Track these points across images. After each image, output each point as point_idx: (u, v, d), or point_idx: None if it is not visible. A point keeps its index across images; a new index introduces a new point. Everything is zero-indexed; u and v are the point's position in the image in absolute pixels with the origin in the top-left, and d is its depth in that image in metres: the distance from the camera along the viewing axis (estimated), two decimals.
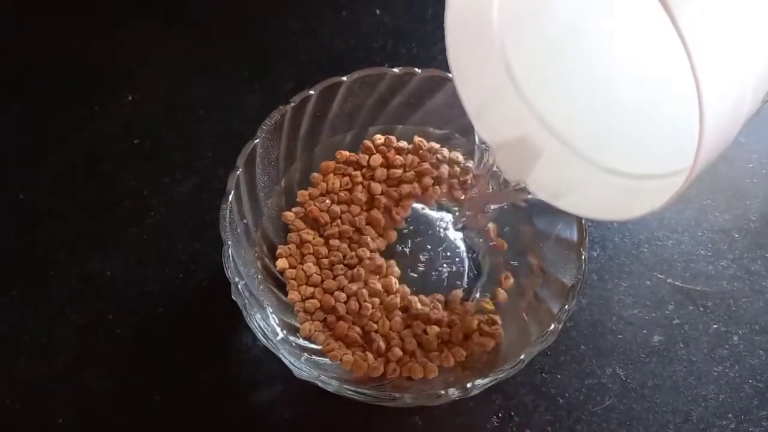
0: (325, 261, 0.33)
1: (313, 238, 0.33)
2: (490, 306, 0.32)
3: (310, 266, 0.32)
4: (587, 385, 0.34)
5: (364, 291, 0.32)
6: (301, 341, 0.31)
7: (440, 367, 0.31)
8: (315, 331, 0.31)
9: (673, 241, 0.38)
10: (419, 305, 0.32)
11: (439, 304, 0.32)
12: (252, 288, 0.29)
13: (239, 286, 0.27)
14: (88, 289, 0.35)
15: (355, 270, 0.33)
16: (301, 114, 0.32)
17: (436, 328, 0.31)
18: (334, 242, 0.33)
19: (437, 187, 0.34)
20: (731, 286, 0.37)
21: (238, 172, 0.29)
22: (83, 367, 0.33)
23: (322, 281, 0.32)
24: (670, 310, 0.36)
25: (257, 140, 0.30)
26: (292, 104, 0.31)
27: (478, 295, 0.34)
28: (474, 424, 0.33)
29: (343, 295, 0.32)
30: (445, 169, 0.34)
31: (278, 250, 0.33)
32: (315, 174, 0.35)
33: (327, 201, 0.34)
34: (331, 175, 0.34)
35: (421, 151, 0.35)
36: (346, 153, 0.35)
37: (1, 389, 0.33)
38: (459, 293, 0.33)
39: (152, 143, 0.39)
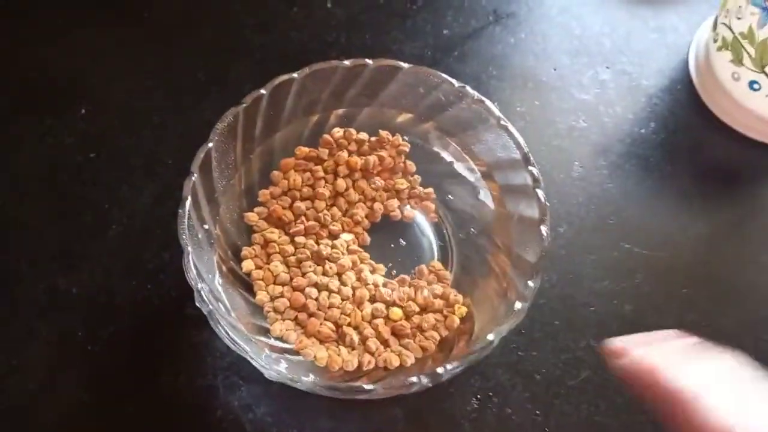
0: (292, 259, 0.33)
1: (279, 237, 0.33)
2: (461, 310, 0.32)
3: (277, 265, 0.32)
4: (563, 360, 0.34)
5: (335, 284, 0.32)
6: (273, 341, 0.31)
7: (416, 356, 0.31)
8: (286, 330, 0.31)
9: (638, 211, 0.38)
10: (390, 294, 0.32)
11: (411, 291, 0.33)
12: (217, 293, 0.29)
13: (203, 293, 0.27)
14: (56, 305, 0.35)
15: (325, 266, 0.32)
16: (255, 113, 0.32)
17: (410, 315, 0.32)
18: (300, 239, 0.33)
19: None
20: (697, 251, 0.38)
21: (193, 178, 0.29)
22: (56, 384, 0.33)
23: (291, 279, 0.32)
24: (639, 279, 0.37)
25: (210, 144, 0.30)
26: (244, 105, 0.31)
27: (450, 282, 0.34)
28: (454, 408, 0.33)
29: (313, 291, 0.32)
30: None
31: (243, 252, 0.32)
32: (275, 172, 0.34)
33: (289, 199, 0.34)
34: (292, 172, 0.34)
35: (386, 147, 0.35)
36: (306, 149, 0.34)
37: None
38: (426, 274, 0.34)
39: (110, 153, 0.39)
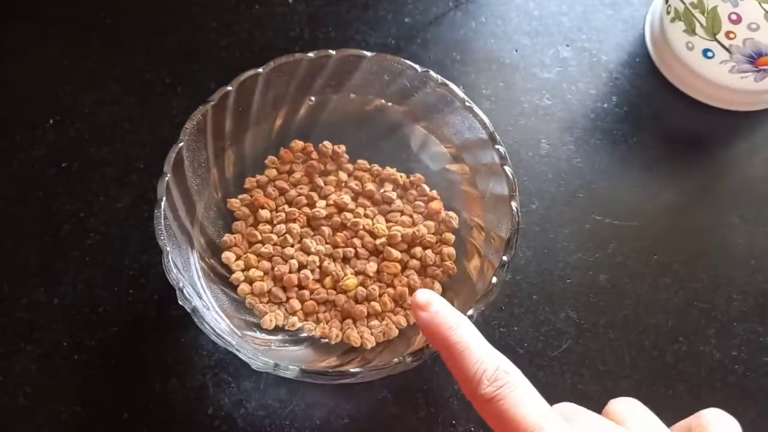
0: (274, 248, 0.33)
1: (259, 226, 0.34)
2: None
3: (259, 252, 0.33)
4: (544, 333, 0.35)
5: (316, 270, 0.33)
6: (259, 335, 0.31)
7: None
8: (275, 317, 0.31)
9: (606, 183, 0.39)
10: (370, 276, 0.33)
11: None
12: (199, 290, 0.29)
13: (184, 291, 0.27)
14: (40, 319, 0.35)
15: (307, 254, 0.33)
16: (223, 111, 0.32)
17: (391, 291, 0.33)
18: (281, 227, 0.34)
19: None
20: (667, 218, 0.39)
21: (166, 178, 0.29)
22: (47, 396, 0.33)
23: (273, 268, 0.33)
24: (612, 248, 0.38)
25: (181, 143, 0.30)
26: (212, 103, 0.31)
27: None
28: (442, 386, 0.34)
29: (294, 277, 0.32)
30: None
31: (224, 238, 0.33)
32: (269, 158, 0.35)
33: (276, 190, 0.35)
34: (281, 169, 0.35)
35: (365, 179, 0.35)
36: (300, 143, 0.36)
37: None
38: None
39: (82, 163, 0.38)
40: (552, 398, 0.33)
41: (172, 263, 0.28)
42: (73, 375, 0.34)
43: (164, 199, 0.29)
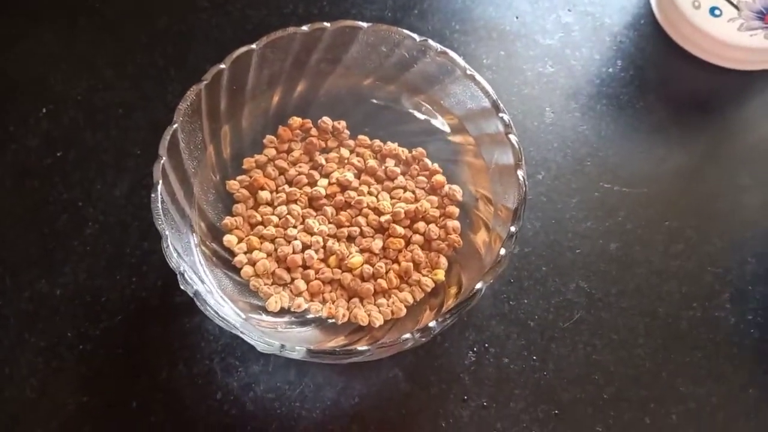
0: (278, 229, 0.33)
1: (260, 207, 0.33)
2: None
3: (261, 233, 0.32)
4: (554, 304, 0.35)
5: (319, 249, 0.32)
6: (265, 317, 0.31)
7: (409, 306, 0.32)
8: (281, 298, 0.31)
9: (614, 149, 0.39)
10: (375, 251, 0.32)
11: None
12: (200, 273, 0.28)
13: (186, 275, 0.27)
14: (43, 311, 0.34)
15: (312, 237, 0.32)
16: (217, 90, 0.31)
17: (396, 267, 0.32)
18: (282, 208, 0.33)
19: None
20: (677, 182, 0.38)
21: (162, 161, 0.29)
22: (54, 388, 0.33)
23: (276, 250, 0.32)
24: (621, 216, 0.37)
25: (176, 125, 0.30)
26: (205, 82, 0.31)
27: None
28: (452, 362, 0.33)
29: (299, 257, 0.32)
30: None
31: (224, 221, 0.32)
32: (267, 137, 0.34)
33: (276, 170, 0.34)
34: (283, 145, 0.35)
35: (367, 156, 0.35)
36: (299, 119, 0.35)
37: None
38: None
39: (77, 151, 0.38)
40: (565, 369, 0.33)
41: (171, 248, 0.27)
42: (79, 365, 0.33)
43: (160, 182, 0.28)
